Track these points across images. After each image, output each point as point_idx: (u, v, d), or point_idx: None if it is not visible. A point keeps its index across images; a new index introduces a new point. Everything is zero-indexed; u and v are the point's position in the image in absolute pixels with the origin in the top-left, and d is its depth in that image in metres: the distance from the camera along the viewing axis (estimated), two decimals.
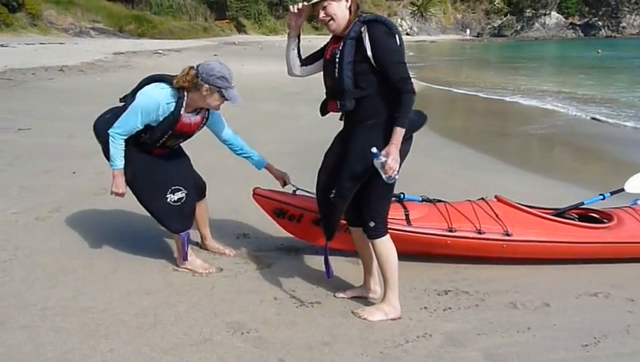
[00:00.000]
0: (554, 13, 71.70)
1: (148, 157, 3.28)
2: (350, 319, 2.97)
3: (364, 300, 3.19)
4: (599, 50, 38.90)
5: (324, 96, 2.98)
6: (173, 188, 3.30)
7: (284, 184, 3.55)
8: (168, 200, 3.29)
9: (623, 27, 70.87)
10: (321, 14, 2.78)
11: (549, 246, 3.71)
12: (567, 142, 9.51)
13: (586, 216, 4.12)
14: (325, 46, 2.99)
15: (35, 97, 10.00)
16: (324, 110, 3.02)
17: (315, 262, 3.59)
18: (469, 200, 3.87)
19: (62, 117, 8.27)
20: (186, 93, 3.12)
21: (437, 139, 8.26)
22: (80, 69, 14.93)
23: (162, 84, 3.15)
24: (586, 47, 44.78)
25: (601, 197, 4.13)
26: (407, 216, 3.59)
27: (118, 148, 3.16)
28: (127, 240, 3.73)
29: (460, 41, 63.26)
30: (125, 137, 3.16)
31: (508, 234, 3.62)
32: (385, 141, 2.73)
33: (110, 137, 3.15)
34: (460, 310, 3.14)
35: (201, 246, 3.80)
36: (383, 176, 2.66)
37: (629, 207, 4.16)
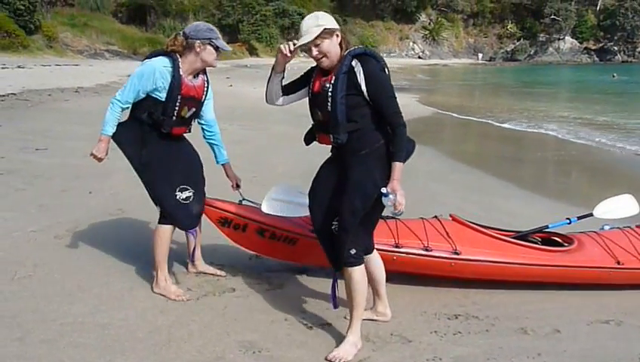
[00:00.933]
0: (568, 38, 71.72)
1: (164, 149, 3.34)
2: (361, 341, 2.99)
3: (332, 337, 3.07)
4: (615, 75, 38.75)
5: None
6: (181, 186, 3.37)
7: (237, 188, 3.68)
8: (177, 197, 3.36)
9: (639, 52, 70.72)
10: (314, 52, 2.79)
11: (500, 266, 3.67)
12: (583, 168, 9.49)
13: (548, 239, 4.10)
14: (308, 76, 3.01)
15: (51, 118, 10.19)
16: (309, 140, 3.07)
17: (326, 284, 3.60)
18: (422, 218, 3.89)
19: (77, 137, 8.41)
20: (179, 57, 3.24)
21: (448, 163, 8.33)
22: (95, 90, 15.18)
23: (156, 56, 3.31)
24: (601, 72, 44.66)
25: (567, 221, 4.08)
26: None
27: (113, 114, 3.24)
28: (142, 258, 3.80)
29: (472, 65, 63.55)
30: (124, 105, 3.24)
31: (457, 253, 3.61)
32: (381, 170, 2.80)
33: (110, 104, 3.23)
34: (470, 334, 3.16)
35: (190, 268, 3.79)
36: (392, 212, 2.76)
37: (595, 232, 4.09)
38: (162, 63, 3.22)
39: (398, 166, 2.77)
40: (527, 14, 72.26)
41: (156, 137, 3.31)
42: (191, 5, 41.52)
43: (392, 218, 3.84)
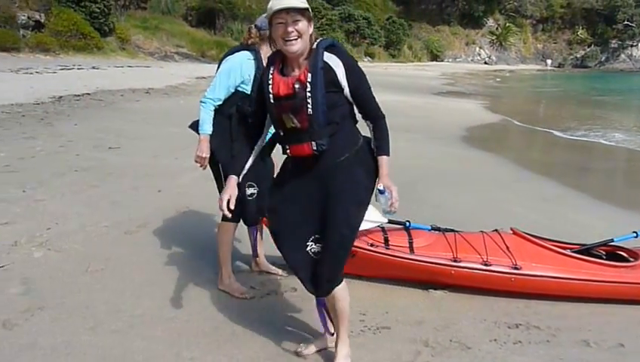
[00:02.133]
0: None
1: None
2: (417, 346, 3.01)
3: (388, 336, 3.10)
4: None
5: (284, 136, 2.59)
6: (249, 183, 3.41)
7: None
8: (245, 193, 3.42)
9: None
10: (290, 28, 2.36)
11: (562, 282, 3.57)
12: None
13: (613, 253, 3.95)
14: (259, 83, 2.64)
15: (123, 117, 10.63)
16: (268, 153, 2.85)
17: (387, 288, 3.67)
18: (482, 231, 3.83)
19: (148, 137, 8.76)
20: (258, 49, 3.33)
21: (513, 171, 8.13)
22: (164, 92, 15.70)
23: (237, 51, 3.40)
24: None
25: (634, 234, 3.91)
26: (410, 244, 3.66)
27: (207, 113, 3.34)
28: (208, 255, 3.93)
29: (539, 72, 61.62)
30: (215, 103, 3.33)
31: (517, 268, 3.54)
32: (365, 172, 2.56)
33: (201, 103, 3.35)
34: (530, 344, 3.11)
35: (254, 267, 3.89)
36: (386, 210, 2.51)
37: None
38: (246, 56, 3.34)
39: (385, 160, 2.55)
40: (598, 20, 69.52)
41: (243, 132, 3.26)
42: (258, 9, 42.18)
43: (451, 231, 3.82)
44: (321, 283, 2.57)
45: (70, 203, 5.08)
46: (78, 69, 19.26)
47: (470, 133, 11.64)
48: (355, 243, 3.55)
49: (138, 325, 3.03)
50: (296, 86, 2.42)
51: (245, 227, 3.68)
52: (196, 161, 3.40)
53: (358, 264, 3.67)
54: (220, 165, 3.43)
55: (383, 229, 3.77)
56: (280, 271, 3.83)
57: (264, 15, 3.32)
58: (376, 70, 36.81)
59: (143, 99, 14.00)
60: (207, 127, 3.36)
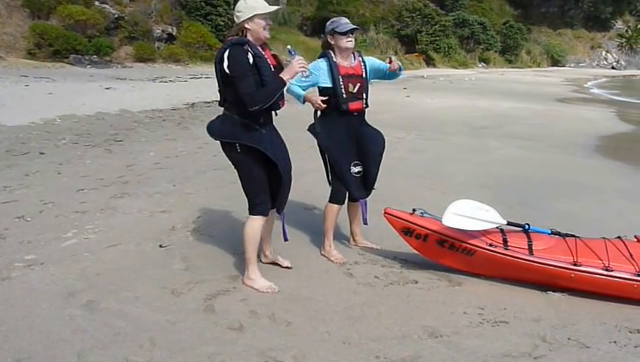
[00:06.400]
0: None
1: (337, 132, 4.06)
2: (534, 340, 3.16)
3: (507, 332, 3.31)
4: None
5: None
6: (354, 162, 4.09)
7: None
8: (351, 171, 4.07)
9: None
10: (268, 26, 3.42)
11: None
12: None
13: None
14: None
15: None
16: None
17: (505, 287, 3.83)
18: (604, 238, 3.84)
19: None
20: (330, 52, 4.02)
21: None
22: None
23: None
24: None
25: None
26: (529, 246, 3.75)
27: (294, 88, 3.97)
28: (339, 247, 4.38)
29: None
30: (296, 85, 3.95)
31: None
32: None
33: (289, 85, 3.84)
34: None
35: (352, 242, 4.55)
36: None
37: None
38: (319, 60, 4.06)
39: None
40: None
41: (332, 126, 4.08)
42: (372, 17, 42.79)
43: (572, 236, 3.91)
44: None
45: (214, 196, 5.74)
46: (206, 78, 20.70)
47: (595, 141, 11.17)
48: (474, 243, 3.80)
49: (280, 301, 3.49)
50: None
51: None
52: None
53: (477, 263, 3.88)
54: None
55: (501, 231, 3.94)
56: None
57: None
58: (492, 76, 35.93)
59: None
60: (295, 88, 4.06)
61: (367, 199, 4.29)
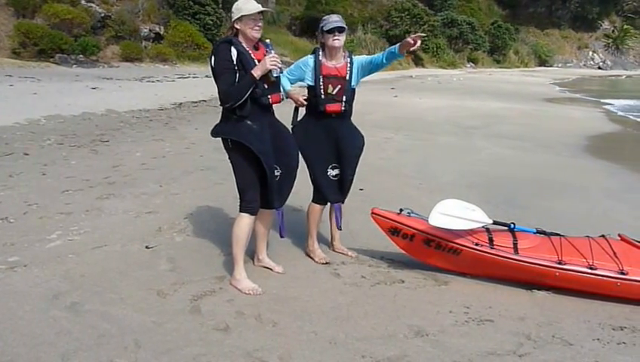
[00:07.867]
0: None
1: (314, 133, 4.02)
2: (519, 338, 3.18)
3: (493, 331, 3.32)
4: None
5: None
6: (332, 165, 4.05)
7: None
8: (328, 174, 4.05)
9: None
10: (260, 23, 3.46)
11: None
12: None
13: None
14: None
15: None
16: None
17: (490, 286, 3.86)
18: (588, 237, 3.88)
19: None
20: (319, 52, 4.01)
21: (628, 181, 7.81)
22: None
23: None
24: None
25: None
26: (515, 244, 3.80)
27: (283, 81, 3.88)
28: (322, 248, 4.36)
29: None
30: (286, 77, 3.99)
31: (623, 273, 3.56)
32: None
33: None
34: (635, 346, 3.17)
35: (330, 247, 4.45)
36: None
37: None
38: (308, 57, 4.07)
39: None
40: None
41: (313, 123, 4.05)
42: (360, 17, 42.83)
43: (557, 235, 3.94)
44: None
45: (200, 197, 5.71)
46: (194, 77, 20.67)
47: (581, 141, 11.27)
48: (460, 242, 3.83)
49: (266, 302, 3.48)
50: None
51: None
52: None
53: (463, 262, 3.91)
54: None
55: (487, 230, 3.97)
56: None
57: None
58: (480, 76, 36.09)
59: None
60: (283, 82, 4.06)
61: (358, 200, 4.27)
